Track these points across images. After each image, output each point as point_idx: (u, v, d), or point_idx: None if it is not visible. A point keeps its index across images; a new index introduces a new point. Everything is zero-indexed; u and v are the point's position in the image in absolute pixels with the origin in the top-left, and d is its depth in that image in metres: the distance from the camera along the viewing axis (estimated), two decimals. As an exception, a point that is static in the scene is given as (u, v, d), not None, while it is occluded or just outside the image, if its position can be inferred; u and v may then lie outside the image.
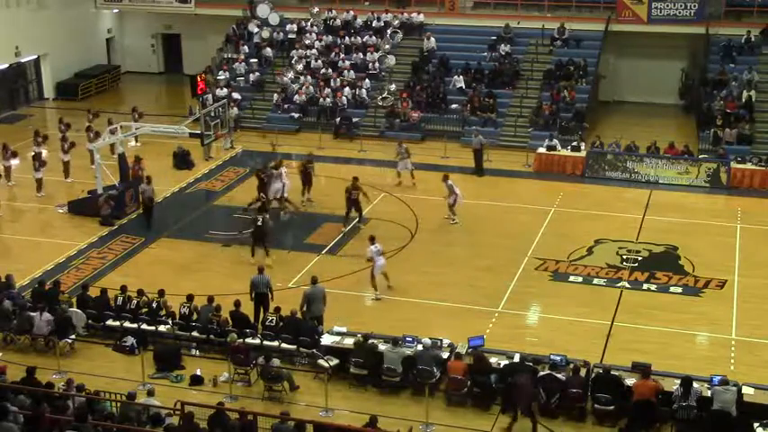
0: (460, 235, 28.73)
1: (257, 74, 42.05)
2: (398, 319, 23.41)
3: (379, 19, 43.34)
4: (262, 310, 22.80)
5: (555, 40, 41.19)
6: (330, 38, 43.12)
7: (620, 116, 41.13)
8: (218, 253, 27.88)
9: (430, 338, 20.83)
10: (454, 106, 39.12)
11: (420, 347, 20.64)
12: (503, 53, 40.91)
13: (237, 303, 22.27)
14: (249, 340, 21.61)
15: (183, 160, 35.02)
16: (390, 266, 25.95)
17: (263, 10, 44.57)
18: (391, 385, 20.50)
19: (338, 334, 21.56)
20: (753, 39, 39.51)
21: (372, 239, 25.34)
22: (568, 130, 36.84)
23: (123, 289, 23.31)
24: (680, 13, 40.10)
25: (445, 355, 20.57)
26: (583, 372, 19.67)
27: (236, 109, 39.27)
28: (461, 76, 40.05)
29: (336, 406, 19.89)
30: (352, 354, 20.77)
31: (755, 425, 18.25)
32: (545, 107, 38.12)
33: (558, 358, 20.01)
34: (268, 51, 43.04)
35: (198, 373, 21.13)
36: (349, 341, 21.13)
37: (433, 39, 41.80)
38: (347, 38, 42.91)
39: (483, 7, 43.95)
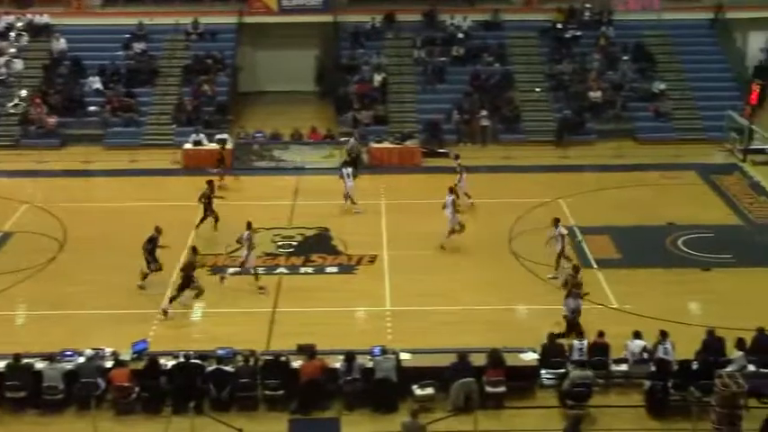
0: (116, 239, 27.76)
1: None
2: (56, 334, 22.29)
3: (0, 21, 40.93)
4: None
5: (190, 35, 41.04)
6: (-51, 44, 40.10)
7: (263, 106, 41.77)
8: None
9: (92, 349, 20.09)
10: (93, 108, 37.88)
11: (81, 360, 19.84)
12: (138, 51, 40.16)
13: None
14: None
15: None
16: (42, 280, 24.70)
17: None
18: (54, 404, 19.53)
19: (-12, 358, 20.19)
20: (377, 25, 41.67)
21: (557, 221, 25.35)
22: (212, 123, 36.91)
23: None
24: (308, 2, 41.46)
25: (109, 364, 19.94)
26: (251, 361, 19.88)
27: None
28: (98, 77, 38.88)
29: (-5, 436, 18.70)
30: (7, 377, 19.52)
31: (414, 387, 19.54)
32: (187, 102, 37.92)
33: (225, 351, 20.11)
34: None
35: None
36: (1, 364, 19.81)
37: (62, 40, 40.22)
38: (-33, 43, 40.14)
39: (112, 5, 42.81)
